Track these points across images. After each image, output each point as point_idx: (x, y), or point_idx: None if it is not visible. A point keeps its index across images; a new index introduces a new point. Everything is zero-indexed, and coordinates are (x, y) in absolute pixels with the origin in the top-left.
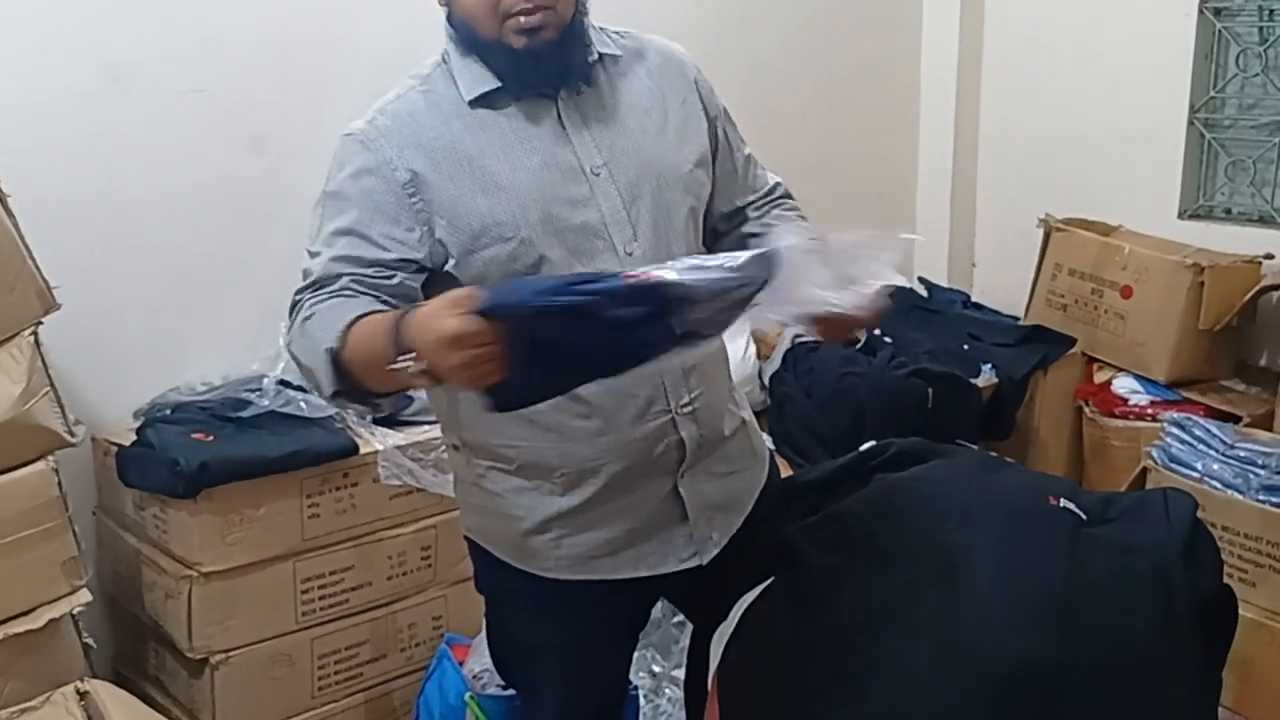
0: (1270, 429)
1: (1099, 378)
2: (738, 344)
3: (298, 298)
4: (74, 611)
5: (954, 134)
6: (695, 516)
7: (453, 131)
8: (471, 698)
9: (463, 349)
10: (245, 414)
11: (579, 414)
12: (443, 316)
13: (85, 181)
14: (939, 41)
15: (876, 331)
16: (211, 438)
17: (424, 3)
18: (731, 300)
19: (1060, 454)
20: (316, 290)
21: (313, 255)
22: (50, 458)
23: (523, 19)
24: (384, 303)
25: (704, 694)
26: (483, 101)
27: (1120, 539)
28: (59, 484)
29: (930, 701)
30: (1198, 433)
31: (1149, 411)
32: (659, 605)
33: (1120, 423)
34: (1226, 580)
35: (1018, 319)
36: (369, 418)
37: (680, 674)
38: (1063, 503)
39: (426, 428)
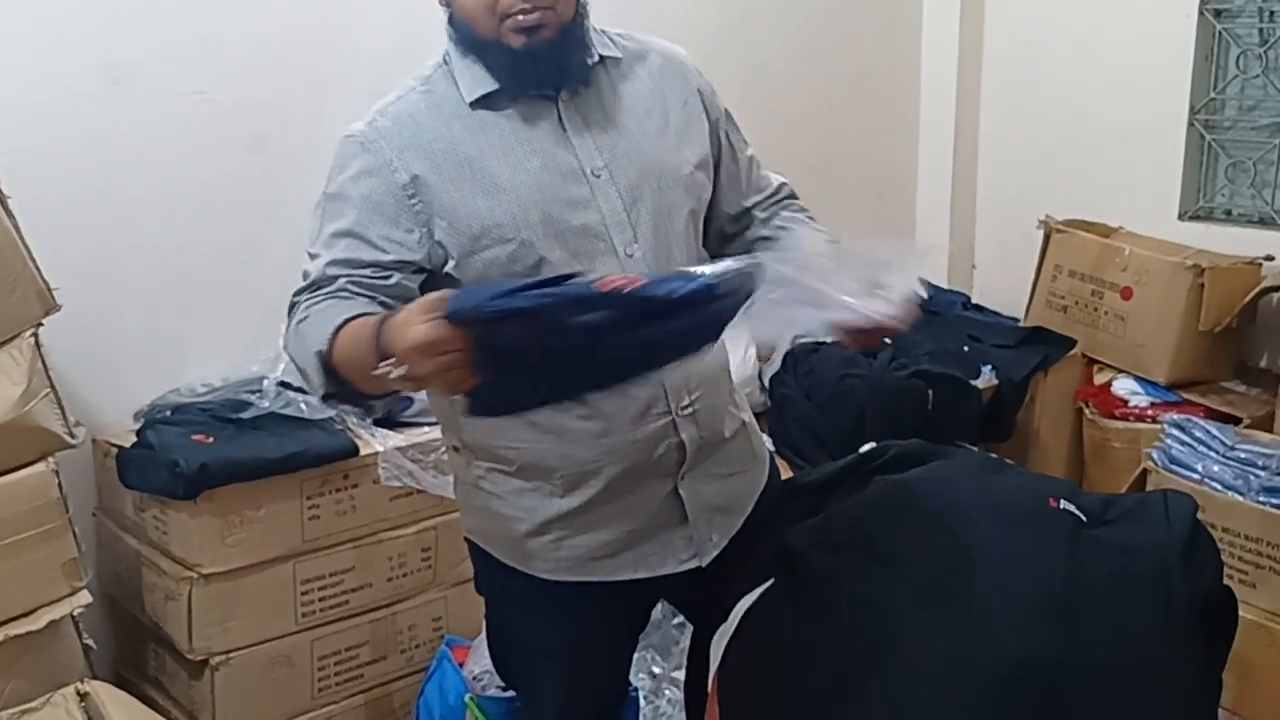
0: (1270, 430)
1: (1099, 379)
2: (738, 345)
3: (295, 299)
4: (74, 613)
5: (954, 135)
6: (695, 518)
7: (453, 133)
8: (471, 699)
9: (432, 356)
10: (245, 415)
11: (579, 415)
12: (413, 323)
13: (85, 182)
14: (939, 42)
15: None
16: (212, 439)
17: (424, 3)
18: (712, 313)
19: (1060, 455)
20: (313, 292)
21: (312, 257)
22: (50, 459)
23: (521, 17)
24: (381, 304)
25: (704, 695)
26: (483, 103)
27: (1120, 540)
28: (59, 485)
29: (931, 702)
30: (1198, 434)
31: (1149, 413)
32: (659, 606)
33: (1120, 424)
34: (1226, 582)
35: (1018, 320)
36: (369, 419)
37: (680, 675)
38: (1063, 504)
39: (427, 429)
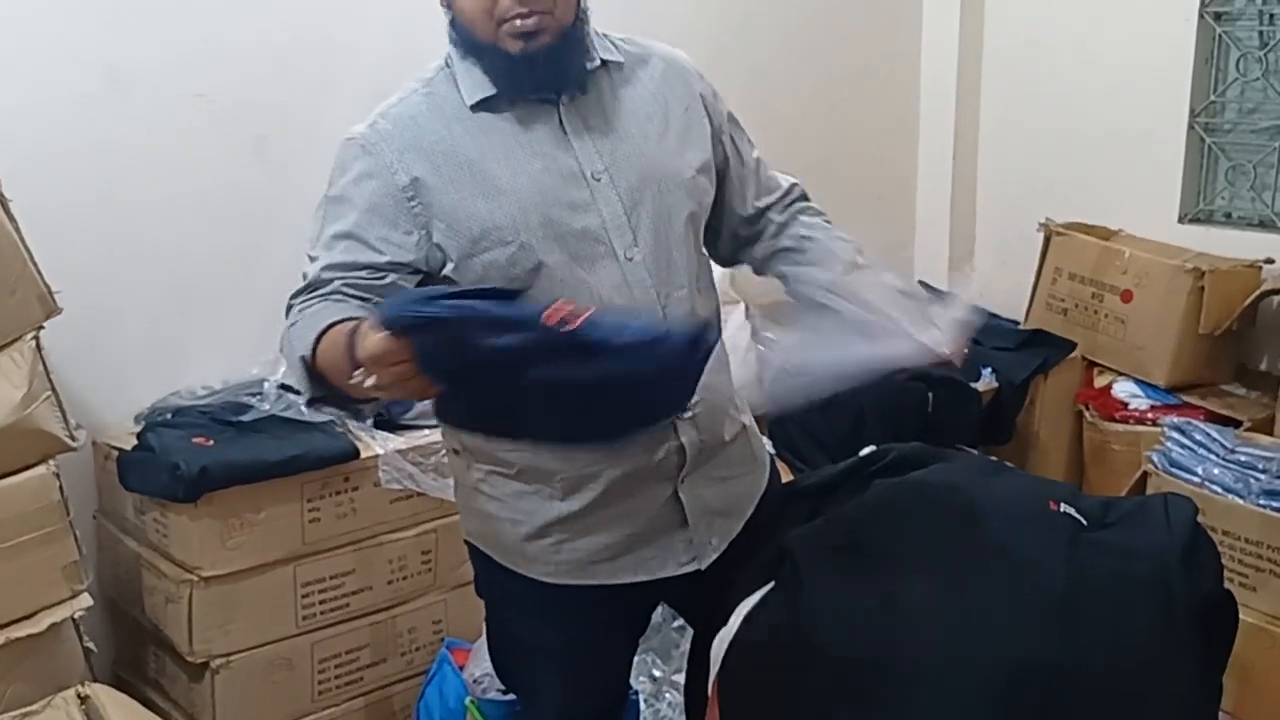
0: (1271, 433)
1: (1099, 382)
2: (738, 347)
3: (291, 301)
4: (75, 615)
5: (954, 137)
6: (695, 521)
7: (454, 135)
8: (472, 702)
9: (386, 366)
10: (246, 418)
11: None
12: (368, 333)
13: (86, 185)
14: (939, 43)
15: None
16: (212, 442)
17: (424, 7)
18: (664, 368)
19: (1060, 458)
20: (308, 295)
21: (311, 259)
22: (51, 462)
23: (518, 23)
24: (375, 305)
25: (704, 698)
26: (484, 105)
27: (1120, 544)
28: (60, 488)
29: (931, 704)
30: (1198, 437)
31: (1149, 416)
32: (659, 610)
33: (1120, 427)
34: (1227, 585)
35: (1018, 323)
36: (358, 423)
37: (680, 678)
38: (1063, 507)
39: (427, 432)
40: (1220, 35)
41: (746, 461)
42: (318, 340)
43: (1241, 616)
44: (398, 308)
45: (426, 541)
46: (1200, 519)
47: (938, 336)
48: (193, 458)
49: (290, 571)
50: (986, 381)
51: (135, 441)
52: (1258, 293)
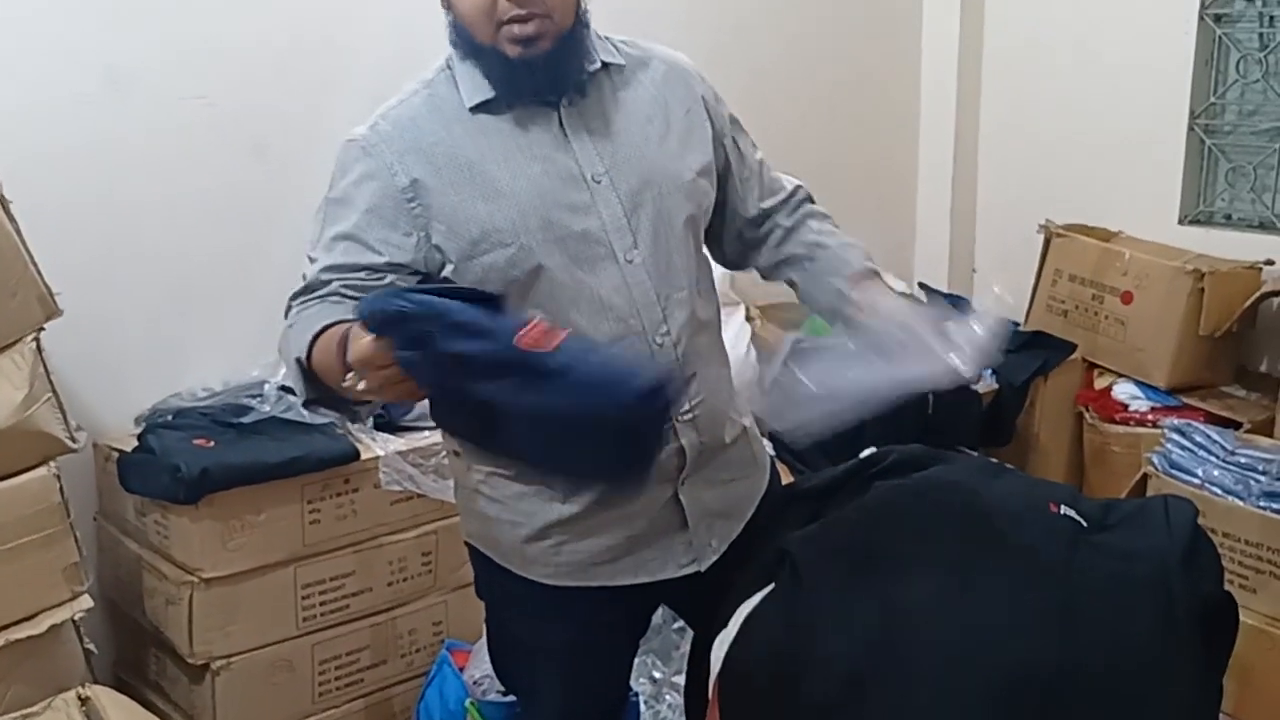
0: (1271, 435)
1: (1099, 383)
2: (738, 349)
3: (289, 303)
4: (75, 617)
5: (954, 139)
6: (695, 523)
7: (454, 137)
8: (472, 704)
9: (374, 369)
10: (246, 420)
11: None
12: (358, 336)
13: (86, 187)
14: (939, 47)
15: None
16: (213, 444)
17: (424, 8)
18: (620, 416)
19: (1060, 460)
20: (306, 296)
21: (311, 261)
22: (52, 463)
23: (516, 28)
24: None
25: (704, 700)
26: (484, 107)
27: (1121, 546)
28: (60, 490)
29: (932, 706)
30: (1198, 439)
31: (1149, 417)
32: (659, 611)
33: (1120, 429)
34: (1227, 587)
35: (1018, 325)
36: (370, 422)
37: (681, 680)
38: (1063, 510)
39: (427, 434)
40: (1220, 37)
41: (747, 464)
42: (313, 342)
43: (1242, 618)
44: (372, 301)
45: (427, 543)
46: (1200, 521)
47: (962, 357)
48: (193, 459)
49: (291, 573)
50: (986, 383)
51: (136, 443)
52: (1258, 294)
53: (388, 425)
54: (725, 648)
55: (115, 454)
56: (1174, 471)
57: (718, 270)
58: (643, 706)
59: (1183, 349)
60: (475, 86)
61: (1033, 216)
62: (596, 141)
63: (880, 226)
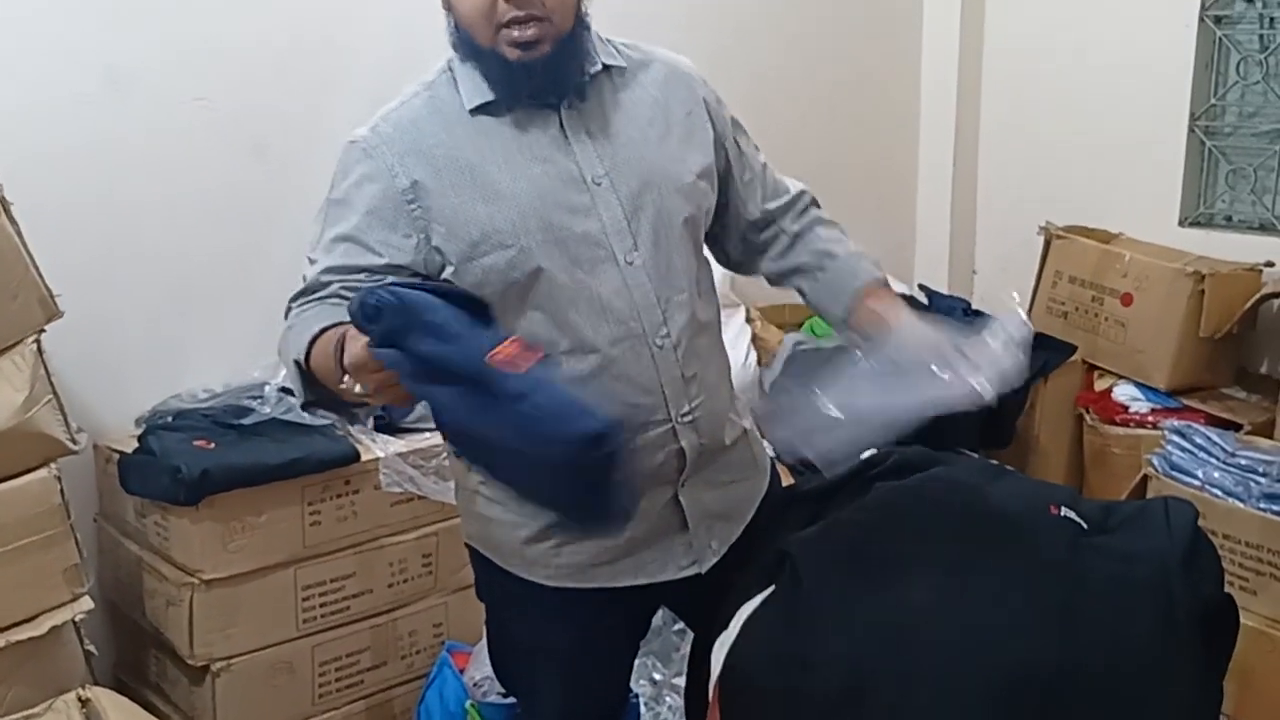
0: (1271, 437)
1: (1099, 385)
2: (738, 350)
3: (289, 304)
4: (76, 619)
5: (954, 141)
6: (695, 525)
7: (455, 139)
8: (472, 705)
9: (368, 374)
10: (247, 421)
11: None
12: (354, 339)
13: (86, 188)
14: (939, 48)
15: None
16: (213, 445)
17: (424, 10)
18: (572, 455)
19: (1061, 462)
20: (306, 298)
21: (311, 262)
22: (52, 465)
23: (515, 31)
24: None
25: (704, 702)
26: (485, 109)
27: (1121, 548)
28: (61, 491)
29: (932, 708)
30: (1198, 440)
31: (1149, 419)
32: (660, 613)
33: (1121, 430)
34: (1227, 589)
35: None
36: (370, 424)
37: (681, 682)
38: (1063, 511)
39: (428, 435)
40: (1220, 39)
41: (747, 466)
42: (311, 344)
43: (1242, 620)
44: (359, 294)
45: (427, 545)
46: (1201, 522)
47: (983, 378)
48: (194, 461)
49: (291, 574)
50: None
51: (136, 444)
52: (1258, 296)
53: (388, 427)
54: (726, 650)
55: (116, 455)
56: (1174, 473)
57: (718, 272)
58: (643, 708)
59: (1183, 351)
60: (475, 89)
61: (1033, 218)
62: (597, 144)
63: (880, 227)
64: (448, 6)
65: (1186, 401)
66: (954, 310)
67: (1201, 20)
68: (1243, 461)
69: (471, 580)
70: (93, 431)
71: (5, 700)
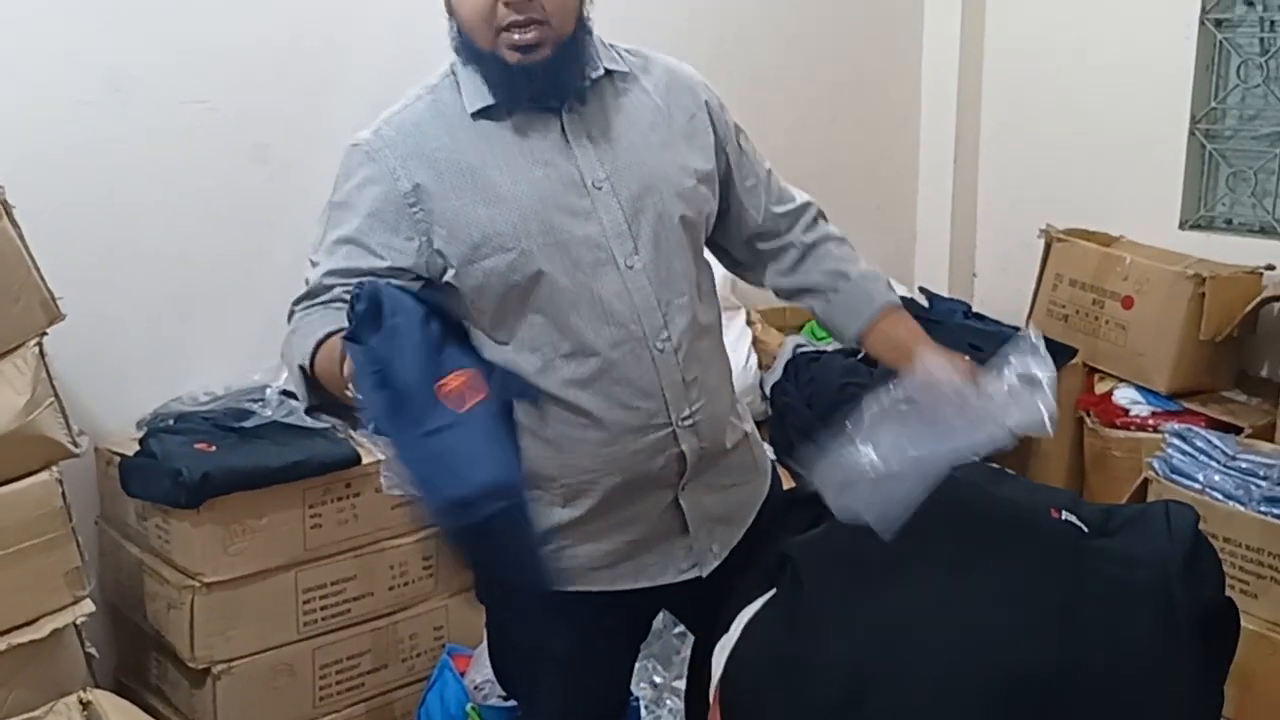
0: (1272, 440)
1: (1100, 388)
2: (739, 353)
3: (293, 307)
4: (77, 621)
5: (954, 144)
6: (695, 529)
7: (456, 142)
8: (473, 708)
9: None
10: (248, 424)
11: (580, 425)
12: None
13: (87, 191)
14: (939, 51)
15: None
16: (214, 448)
17: (424, 13)
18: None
19: (1061, 465)
20: (309, 301)
21: (313, 265)
22: (54, 468)
23: (515, 35)
24: None
25: (705, 705)
26: (486, 113)
27: (1121, 551)
28: (62, 494)
29: (932, 709)
30: (1199, 444)
31: (1150, 422)
32: (660, 616)
33: (1121, 433)
34: (1228, 592)
35: (1019, 329)
36: (372, 427)
37: (681, 685)
38: (1064, 515)
39: None
40: (1221, 42)
41: (748, 469)
42: (316, 349)
43: (1243, 623)
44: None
45: (428, 547)
46: (1201, 526)
47: (1012, 421)
48: (195, 464)
49: (292, 577)
50: None
51: (137, 447)
52: (1259, 299)
53: None
54: (726, 653)
55: (117, 458)
56: (1175, 476)
57: (718, 274)
58: (643, 711)
59: (1183, 354)
60: (477, 92)
61: (1033, 220)
62: (598, 148)
63: (880, 229)
64: (450, 10)
65: (1187, 405)
66: (954, 313)
67: (1202, 23)
68: (1243, 465)
69: (472, 583)
70: (94, 434)
71: (6, 703)
